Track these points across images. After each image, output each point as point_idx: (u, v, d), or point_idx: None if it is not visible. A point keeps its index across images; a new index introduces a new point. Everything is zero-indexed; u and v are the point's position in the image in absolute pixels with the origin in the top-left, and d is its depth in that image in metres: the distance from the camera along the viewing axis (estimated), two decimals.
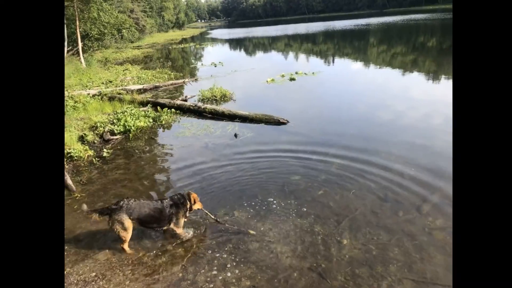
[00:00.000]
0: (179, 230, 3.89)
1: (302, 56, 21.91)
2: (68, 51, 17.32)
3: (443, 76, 12.45)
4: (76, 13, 16.91)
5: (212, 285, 3.20)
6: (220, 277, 3.29)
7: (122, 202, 3.62)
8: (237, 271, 3.35)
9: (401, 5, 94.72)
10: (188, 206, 3.90)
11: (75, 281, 3.32)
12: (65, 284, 3.28)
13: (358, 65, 17.02)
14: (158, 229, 3.92)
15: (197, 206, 4.00)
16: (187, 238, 3.89)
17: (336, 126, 7.61)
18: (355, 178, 5.04)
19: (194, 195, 3.96)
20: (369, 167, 5.31)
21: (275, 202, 4.54)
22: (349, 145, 6.28)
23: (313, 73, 14.20)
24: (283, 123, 7.83)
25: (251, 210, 4.39)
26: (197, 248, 3.75)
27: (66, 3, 16.88)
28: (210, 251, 3.67)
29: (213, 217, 4.12)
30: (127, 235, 3.63)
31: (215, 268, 3.42)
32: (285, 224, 4.05)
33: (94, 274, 3.42)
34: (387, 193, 4.60)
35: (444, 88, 10.60)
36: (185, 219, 3.97)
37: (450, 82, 11.30)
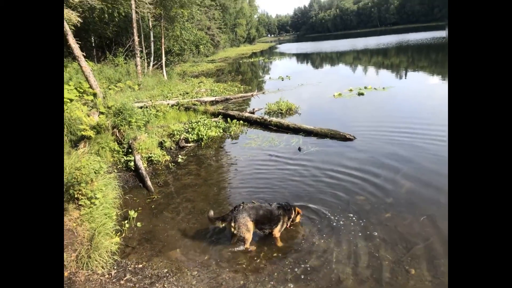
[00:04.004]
0: (277, 234, 4.12)
1: (371, 70, 21.10)
2: (153, 65, 19.36)
3: None
4: (162, 31, 18.95)
5: None
6: None
7: (241, 207, 4.02)
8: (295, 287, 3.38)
9: None
10: (292, 215, 4.21)
11: (149, 275, 3.69)
12: (140, 276, 3.66)
13: (435, 79, 15.78)
14: (267, 231, 4.14)
15: (298, 219, 4.34)
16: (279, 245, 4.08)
17: (407, 147, 7.16)
18: (425, 203, 4.70)
19: (298, 209, 4.33)
20: (439, 193, 4.91)
21: (340, 221, 4.46)
22: (420, 167, 5.87)
23: (383, 88, 13.58)
24: (350, 139, 7.65)
25: (313, 227, 4.39)
26: (258, 259, 3.87)
27: (154, 23, 19.03)
28: (271, 263, 3.77)
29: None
30: (250, 236, 3.99)
31: (275, 280, 3.49)
32: (349, 245, 3.96)
33: (166, 270, 3.76)
34: None
35: None
36: (287, 226, 4.24)
37: None
